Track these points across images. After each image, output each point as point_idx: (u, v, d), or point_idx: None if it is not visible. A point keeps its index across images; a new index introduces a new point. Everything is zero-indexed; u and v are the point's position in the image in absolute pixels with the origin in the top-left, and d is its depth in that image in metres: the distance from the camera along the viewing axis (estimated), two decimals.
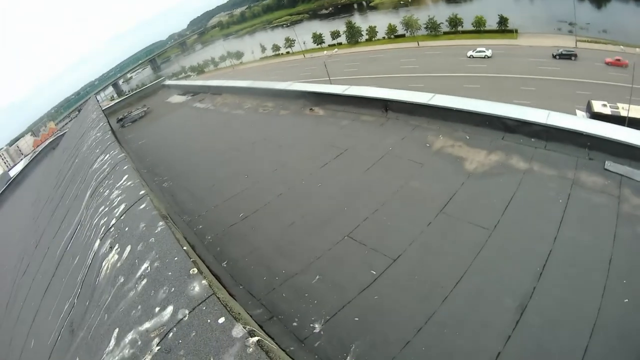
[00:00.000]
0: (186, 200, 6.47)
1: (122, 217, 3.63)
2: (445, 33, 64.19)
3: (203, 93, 15.23)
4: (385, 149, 6.29)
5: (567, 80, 39.35)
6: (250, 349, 1.67)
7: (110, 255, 3.19)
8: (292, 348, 3.08)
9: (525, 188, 4.63)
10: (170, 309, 2.11)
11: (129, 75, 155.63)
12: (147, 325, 2.10)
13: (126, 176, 4.59)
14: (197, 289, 2.15)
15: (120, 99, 22.61)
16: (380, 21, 77.81)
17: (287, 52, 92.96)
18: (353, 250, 4.25)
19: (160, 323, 2.05)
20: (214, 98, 13.93)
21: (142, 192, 3.84)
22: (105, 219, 3.89)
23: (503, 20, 57.80)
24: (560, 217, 4.05)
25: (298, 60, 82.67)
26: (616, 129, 4.87)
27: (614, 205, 4.07)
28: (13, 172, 21.89)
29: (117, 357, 2.04)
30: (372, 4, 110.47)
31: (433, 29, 64.76)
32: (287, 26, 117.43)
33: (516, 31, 56.27)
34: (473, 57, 51.09)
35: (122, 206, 3.82)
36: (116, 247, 3.22)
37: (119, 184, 4.51)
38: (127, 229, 3.36)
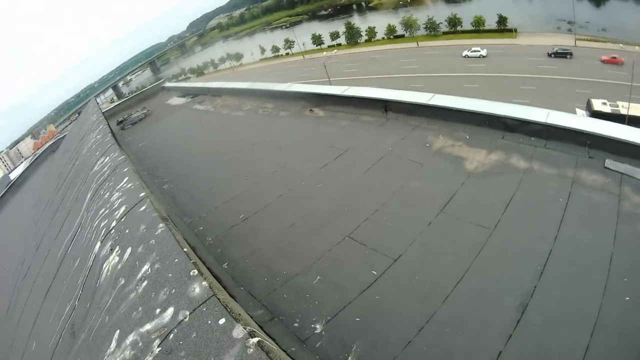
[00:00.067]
0: (187, 202, 6.48)
1: (122, 219, 3.63)
2: (444, 33, 64.17)
3: (203, 95, 15.25)
4: (385, 149, 6.29)
5: (566, 79, 39.33)
6: (251, 350, 1.67)
7: (111, 257, 3.19)
8: (293, 349, 3.09)
9: (525, 187, 4.62)
10: (170, 310, 2.11)
11: (128, 78, 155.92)
12: (147, 326, 2.10)
13: (126, 178, 4.60)
14: (197, 290, 2.16)
15: (120, 102, 22.63)
16: (380, 22, 77.83)
17: (287, 54, 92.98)
18: (354, 250, 4.25)
19: (161, 324, 2.06)
20: (213, 100, 13.94)
21: (143, 194, 3.84)
22: (105, 221, 3.90)
23: (502, 20, 57.82)
24: (561, 216, 4.05)
25: (297, 62, 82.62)
26: (616, 127, 4.87)
27: (615, 204, 4.07)
28: (13, 175, 21.85)
29: (118, 359, 2.04)
30: (371, 4, 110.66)
31: (432, 29, 64.78)
32: (287, 27, 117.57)
33: (515, 30, 56.27)
34: (468, 57, 51.08)
35: (123, 208, 3.83)
36: (117, 249, 3.23)
37: (119, 186, 4.52)
38: (127, 231, 3.36)
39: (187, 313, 2.02)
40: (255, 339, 1.73)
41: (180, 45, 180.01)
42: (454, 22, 62.91)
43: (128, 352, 2.03)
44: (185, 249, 2.64)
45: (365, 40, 76.42)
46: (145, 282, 2.51)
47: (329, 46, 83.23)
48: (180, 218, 5.86)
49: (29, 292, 5.65)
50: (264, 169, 6.93)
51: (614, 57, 40.41)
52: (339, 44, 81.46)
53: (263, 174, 6.74)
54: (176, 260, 2.52)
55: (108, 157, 6.06)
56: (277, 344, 2.66)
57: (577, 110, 26.21)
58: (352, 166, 6.10)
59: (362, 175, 5.75)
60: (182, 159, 9.09)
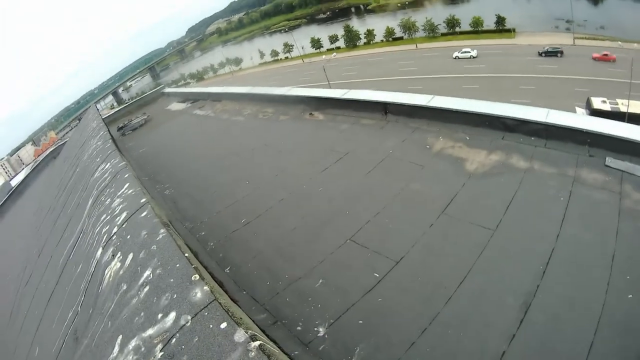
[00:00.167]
0: (188, 207, 6.49)
1: (123, 225, 3.64)
2: (443, 34, 64.37)
3: (203, 100, 15.30)
4: (386, 151, 6.30)
5: (565, 77, 39.34)
6: (253, 353, 1.67)
7: (113, 263, 3.20)
8: (296, 352, 3.08)
9: (526, 187, 4.62)
10: (172, 315, 2.11)
11: (128, 84, 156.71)
12: (150, 331, 2.11)
13: (127, 184, 4.61)
14: (199, 295, 2.16)
15: (120, 108, 22.71)
16: (378, 24, 78.16)
17: (286, 57, 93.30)
18: (355, 253, 4.25)
19: (163, 329, 2.06)
20: (213, 105, 13.99)
21: (144, 200, 3.85)
22: (107, 227, 3.90)
23: (500, 20, 58.01)
24: (562, 215, 4.04)
25: (297, 65, 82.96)
26: (616, 125, 4.87)
27: (616, 202, 4.07)
28: (14, 182, 21.89)
29: None
30: (369, 7, 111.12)
31: (431, 31, 64.99)
32: (285, 31, 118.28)
33: (514, 30, 56.45)
34: (459, 58, 51.23)
35: (124, 214, 3.83)
36: (118, 255, 3.23)
37: (120, 192, 4.53)
38: (129, 236, 3.37)
39: (189, 318, 2.02)
40: (257, 343, 1.73)
41: (179, 50, 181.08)
42: (452, 23, 63.11)
43: (131, 357, 2.03)
44: (186, 254, 2.64)
45: (364, 43, 76.80)
46: (147, 288, 2.51)
47: (328, 49, 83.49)
48: (182, 223, 5.87)
49: (31, 298, 5.66)
50: (264, 173, 6.95)
51: (605, 54, 40.56)
52: (338, 47, 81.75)
53: (264, 178, 6.75)
54: (177, 265, 2.52)
55: (109, 164, 6.07)
56: (279, 347, 2.66)
57: (577, 108, 26.19)
58: (352, 169, 6.11)
59: (363, 178, 5.75)
60: (183, 164, 9.11)
